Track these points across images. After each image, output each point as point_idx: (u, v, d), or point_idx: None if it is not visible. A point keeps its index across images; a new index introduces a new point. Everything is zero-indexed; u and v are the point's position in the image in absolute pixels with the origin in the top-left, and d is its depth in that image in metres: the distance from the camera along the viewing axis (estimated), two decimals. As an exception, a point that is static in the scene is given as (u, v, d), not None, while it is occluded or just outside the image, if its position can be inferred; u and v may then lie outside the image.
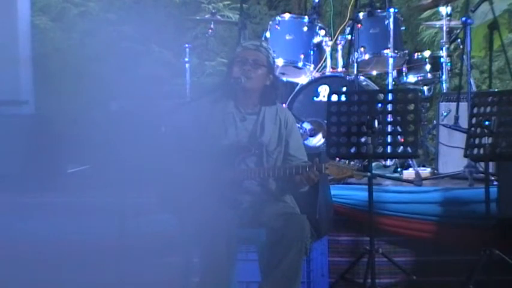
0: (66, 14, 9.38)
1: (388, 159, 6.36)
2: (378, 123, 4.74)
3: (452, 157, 6.00)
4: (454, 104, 6.00)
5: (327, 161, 4.39)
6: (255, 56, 4.53)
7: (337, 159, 4.68)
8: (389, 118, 4.92)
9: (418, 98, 5.07)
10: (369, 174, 4.58)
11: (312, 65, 6.70)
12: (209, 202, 4.32)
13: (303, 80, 6.73)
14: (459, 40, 6.60)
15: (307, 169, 4.33)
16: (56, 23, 9.33)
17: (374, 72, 6.89)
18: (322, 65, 6.78)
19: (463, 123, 5.75)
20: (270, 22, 6.87)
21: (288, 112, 4.77)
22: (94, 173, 6.03)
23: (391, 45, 6.46)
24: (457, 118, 5.92)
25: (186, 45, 7.18)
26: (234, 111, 4.57)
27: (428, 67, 6.71)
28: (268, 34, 6.80)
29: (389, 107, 4.95)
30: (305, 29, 6.70)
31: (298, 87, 6.68)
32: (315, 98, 6.58)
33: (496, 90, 6.92)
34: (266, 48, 4.60)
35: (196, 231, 4.26)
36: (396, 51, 6.51)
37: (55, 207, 5.43)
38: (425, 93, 6.90)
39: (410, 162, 6.07)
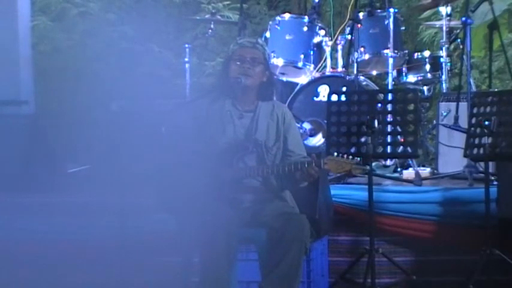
0: (66, 14, 9.38)
1: (388, 159, 6.36)
2: (378, 123, 4.75)
3: (452, 157, 6.00)
4: (454, 104, 6.00)
5: (326, 157, 4.39)
6: (252, 54, 4.54)
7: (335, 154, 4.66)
8: (389, 118, 4.93)
9: (418, 98, 5.09)
10: (367, 167, 4.57)
11: (312, 65, 6.70)
12: (209, 202, 4.32)
13: (303, 80, 6.72)
14: (459, 40, 6.60)
15: (307, 165, 4.33)
16: (56, 23, 9.33)
17: (374, 72, 6.89)
18: (322, 65, 6.77)
19: (463, 123, 5.75)
20: (270, 22, 6.86)
21: (285, 108, 4.78)
22: (94, 173, 6.02)
23: (391, 45, 6.46)
24: (457, 118, 5.93)
25: (186, 45, 7.17)
26: (232, 109, 4.58)
27: (428, 67, 6.71)
28: (268, 34, 6.79)
29: (389, 107, 4.96)
30: (305, 29, 6.70)
31: (298, 87, 6.68)
32: (315, 98, 6.58)
33: (496, 90, 6.92)
34: (262, 44, 4.61)
35: (196, 231, 4.26)
36: (396, 51, 6.51)
37: (55, 207, 5.43)
38: (425, 93, 6.90)
39: (410, 162, 6.07)
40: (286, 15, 6.85)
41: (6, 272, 5.20)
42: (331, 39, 6.75)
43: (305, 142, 6.23)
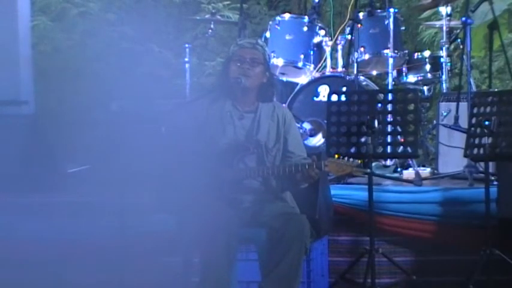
0: (66, 14, 9.38)
1: (388, 159, 6.36)
2: (378, 123, 4.75)
3: (452, 157, 6.00)
4: (454, 104, 6.00)
5: (326, 159, 4.39)
6: (252, 55, 4.53)
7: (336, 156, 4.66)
8: (389, 118, 4.93)
9: (418, 98, 5.09)
10: (368, 170, 4.58)
11: (312, 65, 6.70)
12: (209, 202, 4.32)
13: (303, 80, 6.72)
14: (459, 40, 6.60)
15: (307, 167, 4.33)
16: (56, 23, 9.33)
17: (374, 72, 6.89)
18: (322, 65, 6.77)
19: (463, 123, 5.75)
20: (270, 22, 6.86)
21: (286, 109, 4.78)
22: (94, 173, 6.02)
23: (391, 45, 6.46)
24: (457, 118, 5.93)
25: (186, 45, 7.17)
26: (232, 110, 4.57)
27: (428, 67, 6.71)
28: (268, 34, 6.79)
29: (389, 107, 4.96)
30: (305, 29, 6.70)
31: (298, 87, 6.68)
32: (315, 98, 6.58)
33: (496, 90, 6.92)
34: (262, 45, 4.61)
35: (196, 231, 4.26)
36: (396, 51, 6.51)
37: (55, 207, 5.43)
38: (425, 93, 6.90)
39: (410, 162, 6.07)
40: (286, 15, 6.85)
41: (6, 272, 5.19)
42: (331, 39, 6.75)
43: (305, 142, 6.23)
